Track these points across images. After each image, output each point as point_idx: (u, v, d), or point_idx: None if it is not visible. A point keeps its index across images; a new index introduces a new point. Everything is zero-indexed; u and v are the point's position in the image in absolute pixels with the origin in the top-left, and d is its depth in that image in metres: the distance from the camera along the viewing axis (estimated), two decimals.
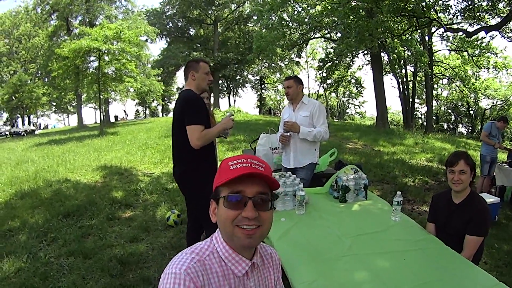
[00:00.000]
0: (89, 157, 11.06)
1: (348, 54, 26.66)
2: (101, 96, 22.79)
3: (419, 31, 22.62)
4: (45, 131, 38.65)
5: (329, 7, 19.62)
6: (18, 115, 46.90)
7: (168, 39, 43.19)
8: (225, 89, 50.66)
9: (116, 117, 49.85)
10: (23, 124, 44.55)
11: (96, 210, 5.93)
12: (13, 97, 41.00)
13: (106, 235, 4.94)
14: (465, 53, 28.47)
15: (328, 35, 27.39)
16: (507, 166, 7.24)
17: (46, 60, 32.14)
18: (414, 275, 2.13)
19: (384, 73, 26.71)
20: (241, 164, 1.23)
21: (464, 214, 2.71)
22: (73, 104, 47.40)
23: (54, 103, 48.75)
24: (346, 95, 54.96)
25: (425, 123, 32.25)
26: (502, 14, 15.60)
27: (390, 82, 48.09)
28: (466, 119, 42.19)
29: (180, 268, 1.14)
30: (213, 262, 1.24)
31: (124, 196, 6.82)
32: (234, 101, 54.92)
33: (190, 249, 1.27)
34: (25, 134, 31.16)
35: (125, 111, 57.92)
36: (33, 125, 45.98)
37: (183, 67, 3.65)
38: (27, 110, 45.55)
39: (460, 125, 44.09)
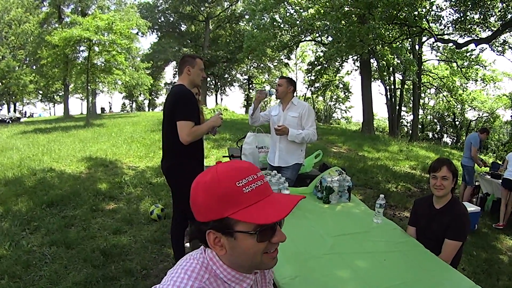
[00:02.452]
0: (74, 148, 11.00)
1: (338, 58, 26.72)
2: (89, 87, 22.65)
3: (409, 39, 22.81)
4: (30, 119, 38.15)
5: (322, 11, 19.68)
6: (4, 102, 46.28)
7: (159, 34, 43.06)
8: (212, 87, 50.49)
9: (102, 109, 49.51)
10: (9, 111, 43.90)
11: (80, 200, 5.92)
12: (0, 83, 40.45)
13: (89, 226, 4.94)
14: (454, 64, 28.80)
15: (319, 39, 27.51)
16: (489, 176, 7.43)
17: (35, 47, 31.96)
18: (394, 274, 2.18)
19: (372, 80, 26.94)
20: (255, 183, 1.03)
21: (444, 219, 2.76)
22: (60, 94, 46.94)
23: (41, 92, 48.10)
24: (333, 100, 54.88)
25: (410, 131, 32.53)
26: (493, 28, 15.84)
27: (378, 88, 48.53)
28: (451, 129, 42.56)
29: None
30: (214, 286, 1.08)
31: (108, 188, 6.81)
32: (221, 99, 54.69)
33: (184, 271, 1.07)
34: (10, 121, 30.68)
35: (110, 104, 57.55)
36: (19, 113, 45.37)
37: (178, 61, 3.67)
38: (14, 97, 44.93)
39: (445, 135, 44.49)
